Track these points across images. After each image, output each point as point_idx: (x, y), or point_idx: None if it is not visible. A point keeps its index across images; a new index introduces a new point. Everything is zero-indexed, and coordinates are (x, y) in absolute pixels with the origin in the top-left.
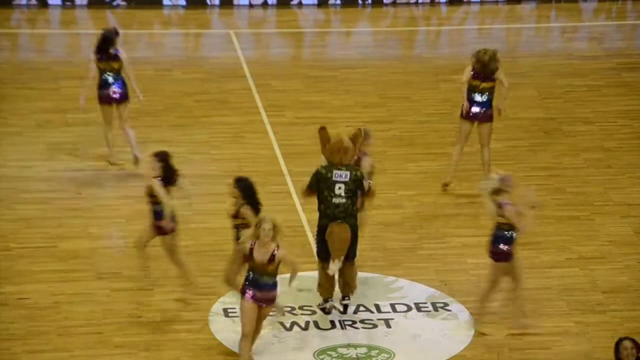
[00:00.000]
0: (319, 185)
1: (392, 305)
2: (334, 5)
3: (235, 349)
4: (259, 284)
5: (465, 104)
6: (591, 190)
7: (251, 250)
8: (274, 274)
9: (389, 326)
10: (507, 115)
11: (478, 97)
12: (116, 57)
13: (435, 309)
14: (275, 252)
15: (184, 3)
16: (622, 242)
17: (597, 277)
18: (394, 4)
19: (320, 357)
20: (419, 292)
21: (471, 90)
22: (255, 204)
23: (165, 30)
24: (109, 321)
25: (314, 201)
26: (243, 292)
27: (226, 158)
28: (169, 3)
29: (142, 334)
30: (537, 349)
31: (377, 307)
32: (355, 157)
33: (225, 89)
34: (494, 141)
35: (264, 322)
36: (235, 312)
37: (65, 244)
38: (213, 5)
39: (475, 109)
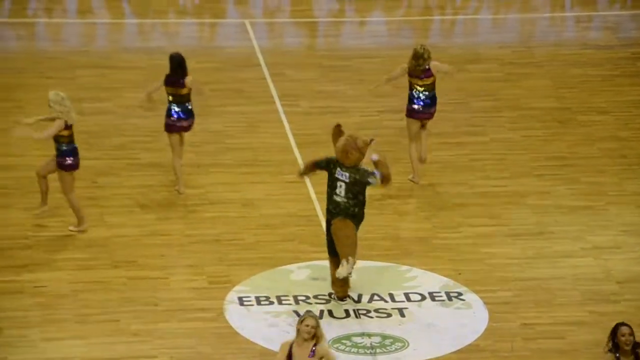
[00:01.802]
0: (324, 168)
1: (406, 295)
2: None
3: (250, 337)
4: None
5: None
6: (606, 180)
7: (290, 350)
8: None
9: (403, 315)
10: (521, 105)
11: (422, 95)
12: (182, 84)
13: (449, 298)
14: (315, 347)
15: None
16: (637, 232)
17: (611, 266)
18: None
19: (335, 345)
20: (433, 281)
21: (411, 89)
22: None
23: (180, 20)
24: (125, 309)
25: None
26: None
27: (241, 147)
28: None
29: (158, 322)
30: (550, 338)
31: (391, 296)
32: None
33: (240, 79)
34: (509, 131)
35: None
36: (249, 301)
37: (81, 233)
38: None
39: (417, 107)
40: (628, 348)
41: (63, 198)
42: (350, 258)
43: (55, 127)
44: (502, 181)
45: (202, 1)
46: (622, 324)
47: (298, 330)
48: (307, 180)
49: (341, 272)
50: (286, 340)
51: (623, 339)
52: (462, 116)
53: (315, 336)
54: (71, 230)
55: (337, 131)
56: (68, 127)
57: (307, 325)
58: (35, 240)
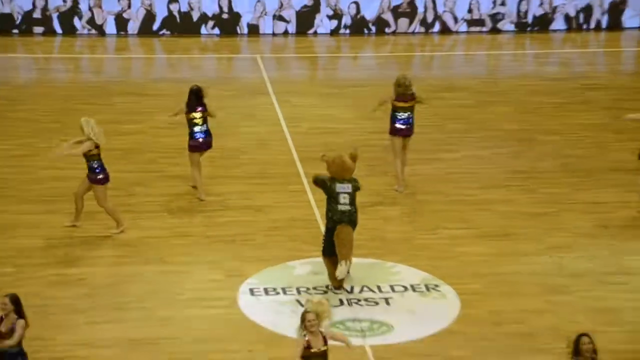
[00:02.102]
0: (323, 190)
1: (391, 286)
2: (344, 34)
3: (259, 322)
4: None
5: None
6: (559, 190)
7: (308, 342)
8: (326, 356)
9: (388, 304)
10: (489, 127)
11: (403, 116)
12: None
13: (428, 289)
14: (324, 334)
15: (218, 32)
16: (585, 234)
17: (564, 263)
18: (394, 33)
19: (331, 329)
20: (414, 275)
21: (395, 111)
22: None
23: (203, 55)
24: (154, 298)
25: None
26: None
27: (252, 162)
28: (206, 32)
29: (182, 310)
30: (513, 323)
31: (379, 287)
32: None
33: (251, 104)
34: (480, 149)
35: None
36: (259, 291)
37: (118, 234)
38: (242, 34)
39: (400, 127)
40: (588, 355)
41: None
42: (347, 260)
43: (85, 146)
44: (473, 191)
45: (221, 39)
46: (584, 334)
47: (305, 327)
48: (307, 189)
49: (341, 272)
50: (301, 336)
51: (584, 347)
52: (439, 136)
53: (320, 325)
54: (112, 233)
55: (327, 160)
56: (97, 147)
57: (310, 321)
58: (79, 240)
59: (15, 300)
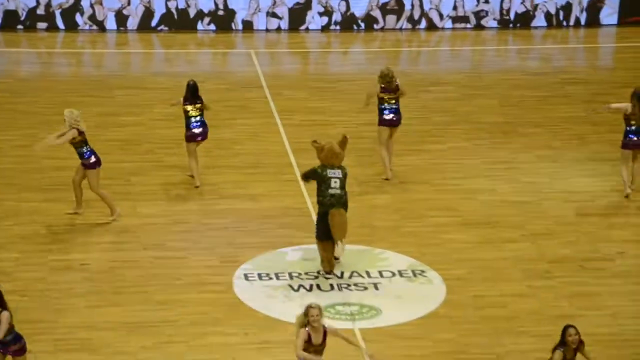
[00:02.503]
0: (317, 181)
1: (380, 272)
2: (334, 30)
3: (253, 306)
4: None
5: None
6: (540, 180)
7: (309, 335)
8: (323, 351)
9: (377, 289)
10: (473, 119)
11: (390, 107)
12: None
13: (415, 275)
14: (326, 330)
15: (213, 28)
16: (565, 222)
17: (544, 250)
18: (382, 29)
19: (334, 327)
20: (401, 261)
21: (381, 102)
22: None
23: (199, 50)
24: (153, 283)
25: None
26: None
27: (246, 152)
28: (202, 28)
29: (179, 294)
30: (496, 307)
31: (368, 273)
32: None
33: (246, 97)
34: (464, 140)
35: None
36: (253, 277)
37: (117, 221)
38: (237, 30)
39: (388, 117)
40: (574, 346)
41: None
42: (343, 240)
43: (69, 134)
44: (457, 181)
45: (217, 35)
46: (570, 325)
47: (309, 321)
48: (299, 179)
49: (339, 251)
50: (302, 328)
51: (570, 338)
52: (426, 128)
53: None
54: (109, 220)
55: (317, 144)
56: (81, 133)
57: (313, 315)
58: (80, 227)
59: None
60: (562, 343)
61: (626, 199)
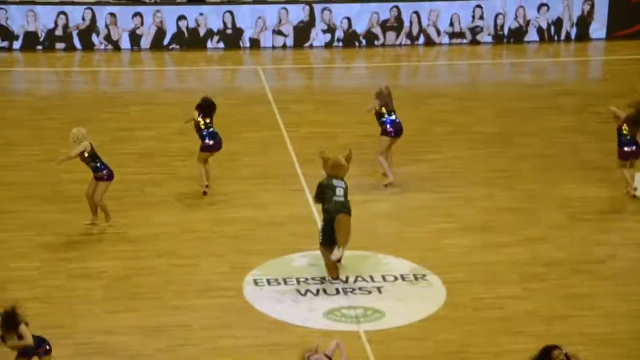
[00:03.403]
0: (323, 191)
1: (383, 276)
2: (337, 46)
3: (262, 310)
4: None
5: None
6: (535, 187)
7: None
8: None
9: (380, 292)
10: (470, 130)
11: (390, 119)
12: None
13: (416, 278)
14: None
15: (222, 46)
16: (559, 226)
17: (539, 253)
18: (382, 45)
19: (328, 316)
20: (403, 266)
21: (381, 116)
22: None
23: (209, 67)
24: (167, 289)
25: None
26: None
27: (255, 164)
28: (211, 46)
29: (192, 299)
30: (493, 308)
31: (371, 277)
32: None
33: (254, 111)
34: (462, 149)
35: None
36: (262, 282)
37: (133, 230)
38: (245, 48)
39: (392, 129)
40: None
41: (119, 205)
42: (343, 246)
43: (80, 147)
44: (456, 188)
45: (225, 52)
46: (554, 347)
47: None
48: (305, 189)
49: (336, 254)
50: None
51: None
52: (425, 138)
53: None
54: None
55: (324, 155)
56: (91, 148)
57: None
58: (97, 236)
59: (5, 318)
60: None
61: (633, 198)
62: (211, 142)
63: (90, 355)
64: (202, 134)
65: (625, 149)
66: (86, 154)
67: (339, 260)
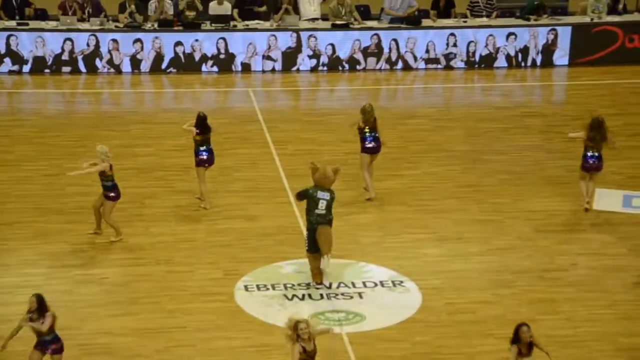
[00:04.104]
0: (307, 200)
1: (364, 283)
2: (322, 70)
3: (252, 314)
4: None
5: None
6: (504, 201)
7: (304, 348)
8: (315, 354)
9: (361, 297)
10: (444, 148)
11: (370, 135)
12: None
13: (394, 285)
14: (314, 340)
15: (216, 70)
16: (525, 237)
17: (508, 262)
18: (364, 70)
19: (313, 319)
20: (383, 273)
21: (362, 133)
22: None
23: (203, 89)
24: (164, 293)
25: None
26: None
27: (246, 179)
28: (206, 70)
29: (187, 303)
30: (466, 312)
31: (353, 284)
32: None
33: (245, 130)
34: (436, 166)
35: None
36: (252, 288)
37: (133, 240)
38: (237, 71)
39: (370, 145)
40: (527, 341)
41: (120, 216)
42: (328, 254)
43: (101, 167)
44: (431, 202)
45: (219, 76)
46: (523, 324)
47: (298, 335)
48: (292, 202)
49: (324, 264)
50: (294, 344)
51: (523, 335)
52: (402, 156)
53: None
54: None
55: (314, 167)
56: (111, 168)
57: (302, 329)
58: (100, 245)
59: (40, 299)
60: (517, 340)
61: (585, 212)
62: (204, 157)
63: (94, 355)
64: (198, 149)
65: (588, 161)
66: (107, 173)
67: (322, 270)
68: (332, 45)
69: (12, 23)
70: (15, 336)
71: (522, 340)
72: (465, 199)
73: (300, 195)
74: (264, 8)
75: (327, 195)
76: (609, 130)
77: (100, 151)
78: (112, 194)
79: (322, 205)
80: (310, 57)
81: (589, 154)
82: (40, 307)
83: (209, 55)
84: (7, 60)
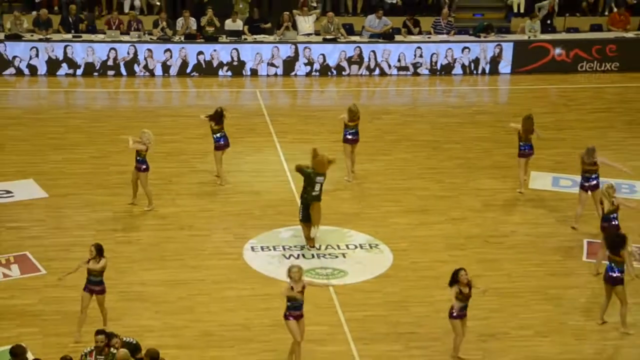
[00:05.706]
0: (305, 179)
1: (346, 245)
2: (315, 75)
3: (257, 269)
4: (297, 307)
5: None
6: (458, 181)
7: (292, 287)
8: (303, 299)
9: (344, 257)
10: (412, 138)
11: (351, 131)
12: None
13: (371, 247)
14: (304, 283)
15: (230, 74)
16: (475, 210)
17: (461, 229)
18: (348, 75)
19: (306, 274)
20: (362, 238)
21: (346, 128)
22: None
23: (220, 90)
24: (187, 253)
25: (299, 185)
26: (286, 317)
27: (253, 161)
28: (222, 74)
29: (205, 260)
30: (427, 270)
31: (338, 246)
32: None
33: (252, 122)
34: (406, 153)
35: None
36: (257, 249)
37: (162, 209)
38: (247, 75)
39: (350, 137)
40: (465, 282)
41: (153, 191)
42: (318, 225)
43: (140, 146)
44: (401, 181)
45: (232, 79)
46: (461, 269)
47: (291, 277)
48: (290, 180)
49: (315, 232)
50: (286, 283)
51: (462, 278)
52: (379, 144)
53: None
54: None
55: (315, 152)
56: (146, 150)
57: (293, 272)
58: (136, 213)
59: (98, 246)
60: (455, 281)
61: (520, 194)
62: (222, 143)
63: (130, 300)
64: (216, 136)
65: (522, 150)
66: (142, 152)
67: (314, 238)
68: (323, 55)
69: (69, 36)
70: (72, 273)
71: (461, 281)
72: (428, 179)
73: (300, 170)
74: (269, 25)
75: (322, 179)
76: (536, 125)
77: (144, 135)
78: (144, 167)
79: (317, 187)
80: (305, 64)
81: (522, 144)
82: (98, 252)
83: (225, 62)
84: (64, 65)
